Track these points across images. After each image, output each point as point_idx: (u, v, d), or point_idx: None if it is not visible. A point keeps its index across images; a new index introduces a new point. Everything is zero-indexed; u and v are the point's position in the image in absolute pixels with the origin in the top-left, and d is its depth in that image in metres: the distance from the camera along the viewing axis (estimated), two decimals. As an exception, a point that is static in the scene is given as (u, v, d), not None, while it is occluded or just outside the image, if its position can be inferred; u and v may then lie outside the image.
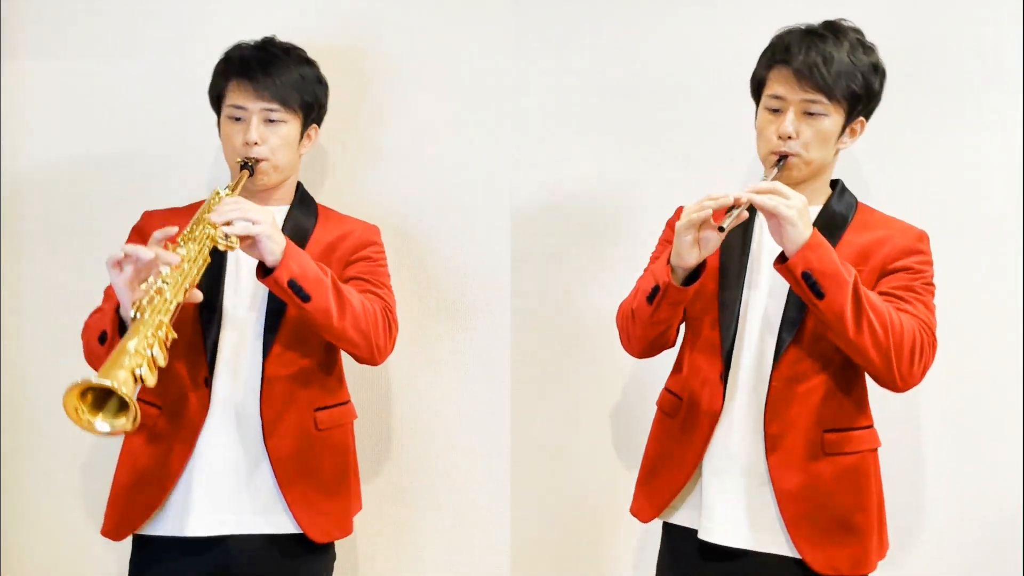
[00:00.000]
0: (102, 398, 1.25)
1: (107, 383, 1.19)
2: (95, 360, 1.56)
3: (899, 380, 1.45)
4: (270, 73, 1.62)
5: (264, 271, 1.48)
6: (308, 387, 1.64)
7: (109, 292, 1.62)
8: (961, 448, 1.97)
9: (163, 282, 1.35)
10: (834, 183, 1.62)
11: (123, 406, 1.23)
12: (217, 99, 1.68)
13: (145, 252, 1.36)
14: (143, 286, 1.35)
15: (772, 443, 1.51)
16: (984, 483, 1.96)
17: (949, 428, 1.97)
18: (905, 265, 1.51)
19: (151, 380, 1.26)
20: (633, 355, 1.67)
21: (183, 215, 1.63)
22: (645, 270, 1.66)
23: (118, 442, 1.66)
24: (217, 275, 1.61)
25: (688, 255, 1.45)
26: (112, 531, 1.62)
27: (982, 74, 1.95)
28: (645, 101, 2.06)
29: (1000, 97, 1.94)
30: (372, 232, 1.76)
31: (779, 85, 1.51)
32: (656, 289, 1.50)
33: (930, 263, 1.54)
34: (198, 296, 1.42)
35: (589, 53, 2.08)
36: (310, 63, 1.72)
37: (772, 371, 1.52)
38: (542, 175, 2.10)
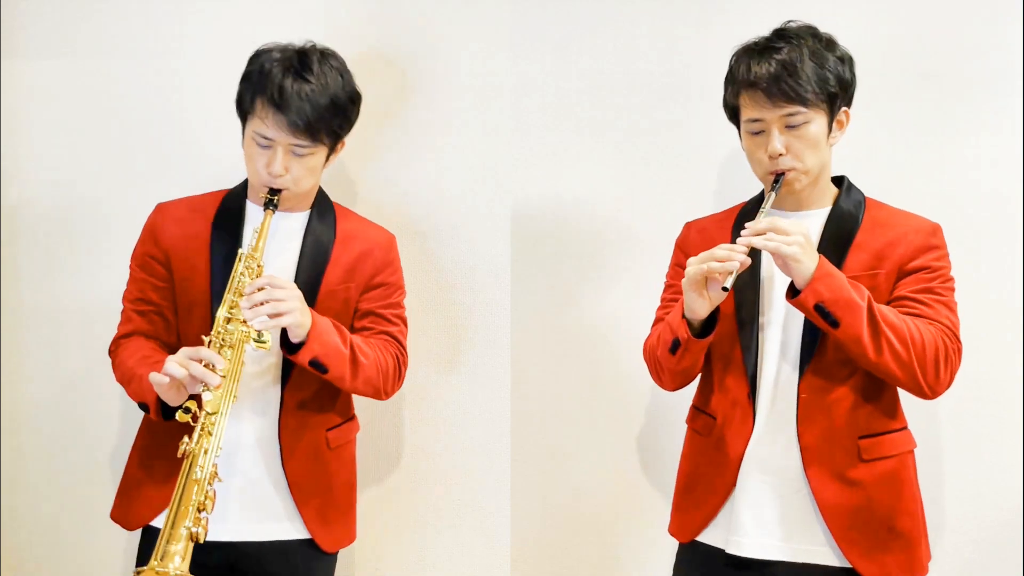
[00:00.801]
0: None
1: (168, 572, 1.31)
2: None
3: (927, 390, 1.46)
4: (304, 110, 1.52)
5: (287, 344, 1.55)
6: (322, 410, 1.68)
7: (123, 321, 1.67)
8: (961, 448, 1.97)
9: (208, 412, 1.43)
10: (839, 180, 1.61)
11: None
12: (244, 114, 1.60)
13: (185, 372, 1.43)
14: (187, 437, 1.42)
15: (809, 455, 1.51)
16: (984, 483, 1.96)
17: (949, 428, 1.97)
18: (922, 264, 1.51)
19: (202, 537, 1.36)
20: (667, 390, 1.69)
21: (197, 206, 1.65)
22: (659, 310, 1.70)
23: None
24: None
25: (699, 309, 1.48)
26: (122, 519, 1.65)
27: (983, 74, 1.95)
28: (645, 101, 2.06)
29: (1000, 97, 1.94)
30: (389, 247, 1.75)
31: (753, 109, 1.50)
32: (676, 343, 1.53)
33: (946, 256, 1.54)
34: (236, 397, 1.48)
35: (589, 53, 2.08)
36: (343, 74, 1.61)
37: (799, 383, 1.51)
38: (542, 175, 2.10)
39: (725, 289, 1.41)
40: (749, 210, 1.64)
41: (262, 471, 1.62)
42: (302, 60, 1.57)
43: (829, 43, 1.52)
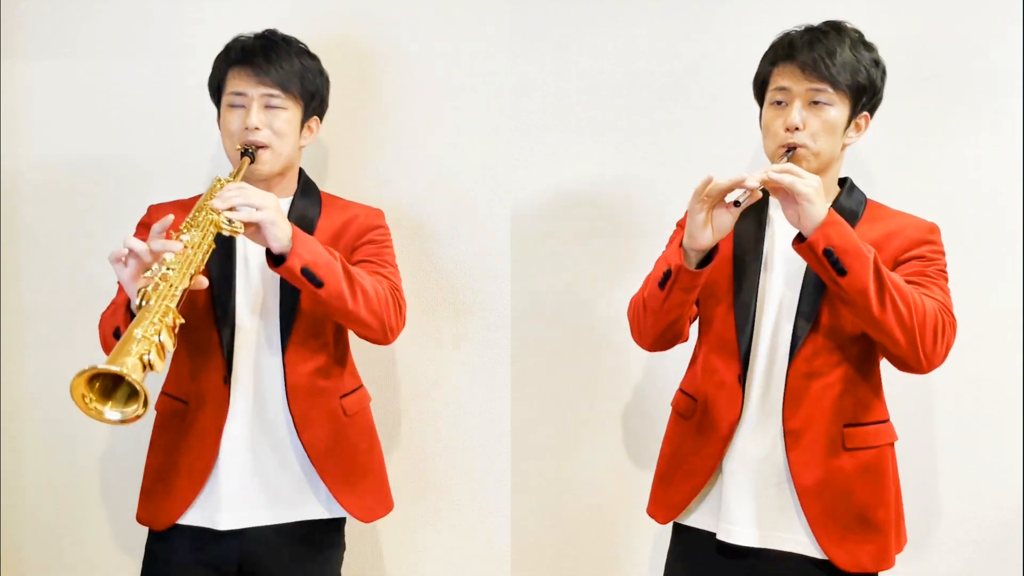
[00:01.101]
0: (111, 387, 1.26)
1: (114, 369, 1.20)
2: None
3: (923, 359, 1.44)
4: (271, 60, 1.62)
5: (274, 259, 1.48)
6: (329, 377, 1.66)
7: (118, 292, 1.62)
8: (961, 448, 1.97)
9: (167, 269, 1.34)
10: (842, 181, 1.62)
11: (132, 394, 1.23)
12: (217, 90, 1.68)
13: (145, 244, 1.37)
14: (147, 274, 1.36)
15: (792, 440, 1.51)
16: (984, 483, 1.97)
17: (949, 428, 1.97)
18: (917, 254, 1.52)
19: (160, 366, 1.25)
20: (644, 347, 1.65)
21: (188, 207, 1.65)
22: (656, 262, 1.64)
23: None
24: (227, 273, 1.61)
25: (701, 235, 1.45)
26: (150, 519, 1.63)
27: (983, 74, 1.95)
28: (645, 101, 2.06)
29: (1000, 97, 1.94)
30: (376, 216, 1.75)
31: (784, 79, 1.53)
32: (668, 273, 1.50)
33: (942, 253, 1.55)
34: (203, 283, 1.41)
35: (589, 53, 2.08)
36: (311, 55, 1.72)
37: (789, 368, 1.52)
38: (542, 174, 2.10)
39: (737, 204, 1.40)
40: (755, 208, 1.64)
41: (275, 448, 1.60)
42: (267, 33, 1.70)
43: (870, 47, 1.56)
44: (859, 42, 1.54)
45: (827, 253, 1.37)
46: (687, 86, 2.04)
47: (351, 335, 1.72)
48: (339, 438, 1.65)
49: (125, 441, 2.07)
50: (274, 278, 1.62)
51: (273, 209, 1.45)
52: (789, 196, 1.39)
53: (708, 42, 2.02)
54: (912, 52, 1.95)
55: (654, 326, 1.58)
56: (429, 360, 2.09)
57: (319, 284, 1.49)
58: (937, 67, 1.96)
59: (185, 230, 1.41)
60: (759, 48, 1.60)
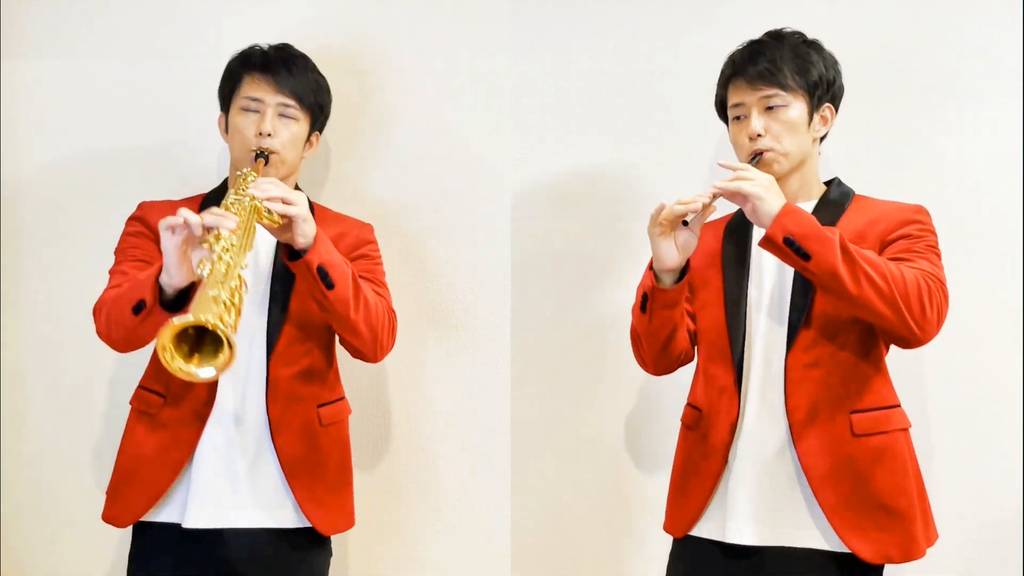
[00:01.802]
0: (190, 347, 1.25)
1: (207, 320, 1.19)
2: (124, 332, 1.52)
3: (916, 329, 1.42)
4: (291, 72, 1.68)
5: (292, 254, 1.51)
6: (311, 384, 1.66)
7: (116, 275, 1.61)
8: (960, 448, 1.97)
9: (227, 244, 1.34)
10: (830, 182, 1.63)
11: (215, 344, 1.22)
12: (229, 94, 1.70)
13: (199, 218, 1.36)
14: (204, 246, 1.35)
15: (798, 431, 1.50)
16: (984, 483, 1.96)
17: (949, 428, 1.97)
18: (903, 233, 1.51)
19: (234, 324, 1.25)
20: (650, 372, 1.70)
21: (180, 204, 1.66)
22: (637, 289, 1.67)
23: (118, 441, 1.66)
24: None
25: (667, 257, 1.51)
26: (115, 517, 1.62)
27: (982, 74, 1.95)
28: (644, 101, 2.06)
29: (1000, 97, 1.94)
30: (367, 231, 1.78)
31: (737, 95, 1.59)
32: (645, 297, 1.55)
33: (931, 231, 1.54)
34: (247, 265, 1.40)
35: (589, 53, 2.08)
36: (320, 74, 1.77)
37: (787, 360, 1.51)
38: (542, 174, 2.10)
39: (685, 223, 1.46)
40: (738, 219, 1.66)
41: (251, 448, 1.60)
42: (284, 46, 1.74)
43: (814, 44, 1.61)
44: (801, 43, 1.59)
45: (788, 242, 1.38)
46: (687, 86, 2.04)
47: (338, 347, 1.72)
48: (312, 446, 1.64)
49: (125, 441, 2.07)
50: (265, 276, 1.63)
51: (305, 206, 1.49)
52: (740, 196, 1.43)
53: (708, 42, 2.01)
54: (912, 52, 1.96)
55: (649, 349, 1.63)
56: (429, 360, 2.09)
57: (330, 285, 1.51)
58: (936, 67, 1.96)
59: (232, 211, 1.41)
60: (759, 48, 1.60)
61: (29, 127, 2.07)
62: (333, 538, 1.71)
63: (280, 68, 1.67)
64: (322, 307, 1.56)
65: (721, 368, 1.58)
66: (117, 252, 1.67)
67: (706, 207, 1.46)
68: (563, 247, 2.11)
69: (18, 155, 2.08)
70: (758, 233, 1.58)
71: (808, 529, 1.50)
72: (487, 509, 2.10)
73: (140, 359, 1.69)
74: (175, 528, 1.57)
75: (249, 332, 1.61)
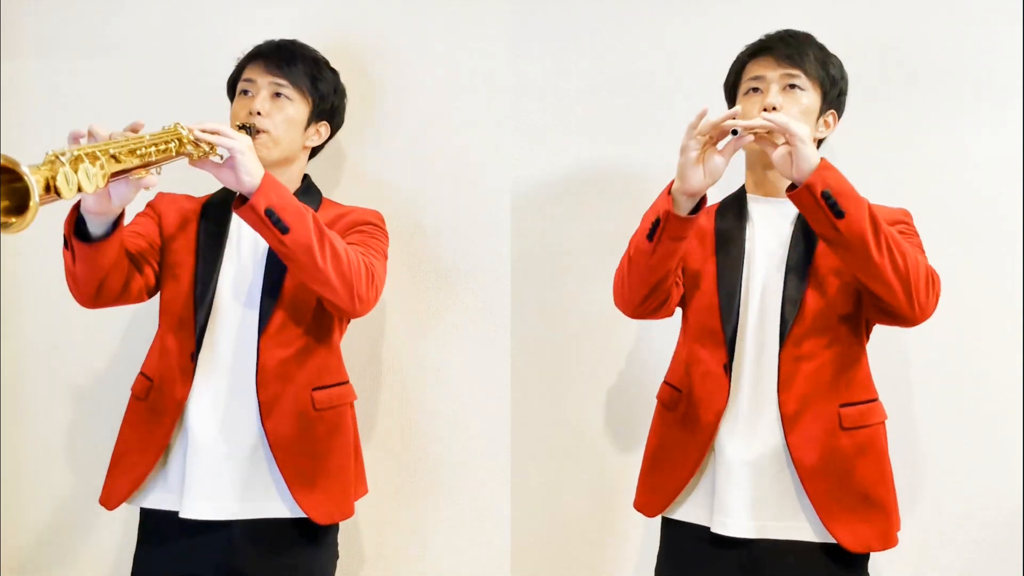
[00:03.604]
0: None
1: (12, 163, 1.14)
2: (70, 278, 1.53)
3: (917, 308, 1.43)
4: (283, 56, 1.68)
5: (241, 201, 1.44)
6: (304, 366, 1.62)
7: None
8: (960, 448, 1.97)
9: (117, 140, 1.31)
10: None
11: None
12: (233, 85, 1.72)
13: (104, 126, 1.34)
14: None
15: (790, 423, 1.51)
16: (984, 483, 1.96)
17: (948, 428, 1.97)
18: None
19: (66, 192, 1.19)
20: (628, 313, 1.60)
21: (191, 197, 1.69)
22: (643, 216, 1.59)
23: (116, 433, 1.66)
24: (216, 252, 1.61)
25: (693, 176, 1.43)
26: (105, 499, 1.63)
27: (982, 74, 1.95)
28: (645, 101, 2.06)
29: (1000, 97, 1.94)
30: (373, 214, 1.73)
31: (759, 68, 1.58)
32: (657, 222, 1.46)
33: (916, 233, 1.56)
34: (152, 181, 1.38)
35: (589, 53, 2.08)
36: (331, 68, 1.76)
37: (780, 352, 1.52)
38: (542, 174, 2.10)
39: (735, 132, 1.40)
40: (729, 203, 1.65)
41: (241, 433, 1.57)
42: (290, 40, 1.74)
43: (831, 54, 1.63)
44: (824, 48, 1.62)
45: (825, 196, 1.36)
46: (687, 86, 2.04)
47: (343, 339, 1.71)
48: (304, 431, 1.59)
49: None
50: (262, 260, 1.61)
51: (246, 145, 1.43)
52: (775, 147, 1.40)
53: (708, 42, 2.02)
54: (912, 52, 1.96)
55: (640, 285, 1.53)
56: (429, 359, 2.09)
57: (285, 230, 1.43)
58: (936, 67, 1.96)
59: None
60: (759, 48, 1.60)
61: (29, 127, 2.07)
62: (339, 523, 1.68)
63: (275, 53, 1.68)
64: (284, 257, 1.48)
65: (709, 351, 1.57)
66: None
67: (750, 131, 1.40)
68: (563, 247, 2.11)
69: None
70: (751, 216, 1.59)
71: (797, 520, 1.52)
72: (487, 509, 2.10)
73: (140, 357, 1.69)
74: (174, 516, 1.56)
75: (240, 313, 1.60)
